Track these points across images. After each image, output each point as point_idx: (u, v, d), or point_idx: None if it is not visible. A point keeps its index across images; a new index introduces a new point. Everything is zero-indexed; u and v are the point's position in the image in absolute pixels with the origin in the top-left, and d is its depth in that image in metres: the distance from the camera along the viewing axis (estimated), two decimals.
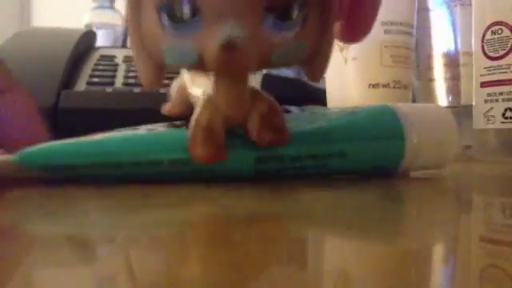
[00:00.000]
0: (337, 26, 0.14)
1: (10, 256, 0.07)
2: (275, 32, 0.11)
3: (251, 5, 0.11)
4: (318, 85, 0.31)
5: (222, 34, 0.11)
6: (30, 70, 0.35)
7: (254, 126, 0.14)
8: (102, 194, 0.13)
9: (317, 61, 0.13)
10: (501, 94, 0.25)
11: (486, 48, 0.26)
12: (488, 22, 0.26)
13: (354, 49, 0.27)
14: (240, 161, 0.14)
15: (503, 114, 0.25)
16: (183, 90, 0.17)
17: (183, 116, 0.16)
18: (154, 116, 0.36)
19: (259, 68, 0.12)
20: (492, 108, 0.25)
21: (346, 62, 0.27)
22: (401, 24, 0.27)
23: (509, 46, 0.25)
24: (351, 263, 0.07)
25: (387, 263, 0.07)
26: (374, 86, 0.27)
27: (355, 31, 0.15)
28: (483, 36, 0.26)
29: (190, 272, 0.06)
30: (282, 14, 0.11)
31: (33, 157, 0.15)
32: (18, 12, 1.20)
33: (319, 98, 0.31)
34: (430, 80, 0.32)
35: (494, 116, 0.25)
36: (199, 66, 0.12)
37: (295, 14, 0.11)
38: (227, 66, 0.11)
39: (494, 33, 0.25)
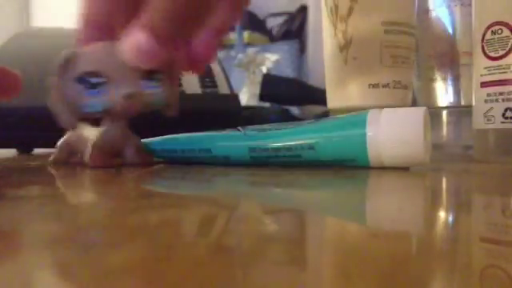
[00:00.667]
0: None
1: (10, 256, 0.07)
2: (147, 89, 0.20)
3: (133, 76, 0.19)
4: (318, 85, 0.31)
5: (122, 90, 0.19)
6: (29, 70, 0.35)
7: (131, 154, 0.22)
8: (102, 195, 0.13)
9: (172, 104, 0.22)
10: (501, 94, 0.25)
11: (486, 48, 0.26)
12: (488, 22, 0.26)
13: (354, 49, 0.27)
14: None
15: (503, 114, 0.25)
16: (71, 142, 0.24)
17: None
18: (154, 116, 0.36)
19: (144, 110, 0.21)
20: (492, 108, 0.25)
21: (346, 62, 0.27)
22: (401, 24, 0.27)
23: (509, 45, 0.25)
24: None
25: (383, 262, 0.07)
26: (374, 85, 0.27)
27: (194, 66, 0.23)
28: (483, 36, 0.26)
29: (190, 272, 0.06)
30: (151, 79, 0.20)
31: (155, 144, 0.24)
32: (18, 12, 1.20)
33: (319, 97, 0.31)
34: (431, 80, 0.32)
35: (493, 116, 0.25)
36: (109, 112, 0.20)
37: (156, 78, 0.20)
38: (126, 108, 0.19)
39: (494, 33, 0.25)
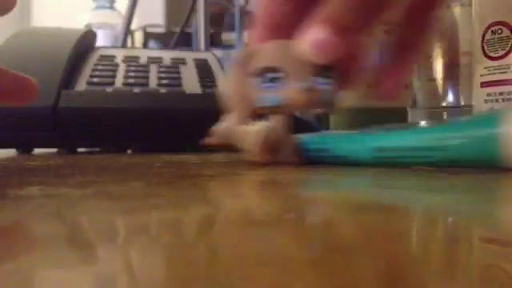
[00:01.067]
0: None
1: (10, 256, 0.07)
2: (319, 84, 0.19)
3: (308, 72, 0.19)
4: None
5: (298, 84, 0.19)
6: (29, 69, 0.35)
7: (287, 151, 0.22)
8: (102, 195, 0.13)
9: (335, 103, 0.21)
10: (501, 94, 0.25)
11: (486, 48, 0.26)
12: (488, 22, 0.26)
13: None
14: (363, 150, 0.20)
15: None
16: (228, 131, 0.23)
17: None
18: (154, 116, 0.36)
19: (315, 108, 0.21)
20: (492, 108, 0.25)
21: None
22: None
23: (509, 45, 0.25)
24: None
25: (383, 262, 0.07)
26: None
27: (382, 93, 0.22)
28: (483, 36, 0.26)
29: (190, 272, 0.06)
30: (325, 76, 0.20)
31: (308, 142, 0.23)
32: (18, 12, 1.20)
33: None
34: (430, 80, 0.32)
35: None
36: (283, 107, 0.19)
37: (329, 75, 0.20)
38: (303, 102, 0.19)
39: (494, 33, 0.25)
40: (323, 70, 0.20)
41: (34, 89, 0.22)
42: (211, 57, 0.44)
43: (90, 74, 0.37)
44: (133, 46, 0.75)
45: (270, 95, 0.20)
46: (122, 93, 0.36)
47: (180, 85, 0.37)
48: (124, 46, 0.61)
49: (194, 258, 0.07)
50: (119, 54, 0.42)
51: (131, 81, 0.37)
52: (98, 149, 0.41)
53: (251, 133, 0.21)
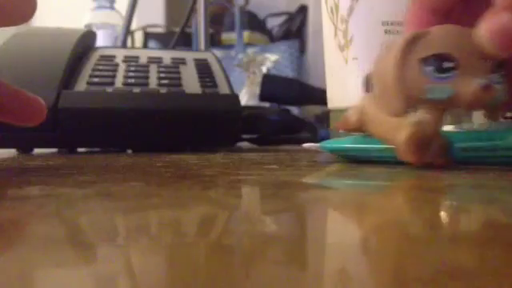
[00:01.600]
0: None
1: (10, 256, 0.07)
2: (496, 83, 0.18)
3: (485, 66, 0.17)
4: (318, 85, 0.31)
5: (479, 81, 0.17)
6: (29, 70, 0.35)
7: (435, 151, 0.19)
8: (102, 194, 0.13)
9: (501, 106, 0.19)
10: None
11: None
12: None
13: (354, 49, 0.27)
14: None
15: (503, 114, 0.25)
16: (361, 117, 0.21)
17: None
18: (154, 116, 0.36)
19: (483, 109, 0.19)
20: None
21: (346, 62, 0.27)
22: (401, 24, 0.27)
23: None
24: None
25: (383, 262, 0.07)
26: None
27: None
28: None
29: (190, 272, 0.06)
30: (496, 73, 0.18)
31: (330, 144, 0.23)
32: None
33: (319, 98, 0.31)
34: None
35: None
36: (451, 101, 0.17)
37: (500, 73, 0.18)
38: (480, 100, 0.17)
39: None
40: (497, 65, 0.18)
41: (41, 110, 0.21)
42: (211, 57, 0.44)
43: (90, 74, 0.37)
44: (133, 46, 0.75)
45: (441, 86, 0.17)
46: (122, 93, 0.36)
47: (180, 85, 0.37)
48: (124, 46, 0.61)
49: (194, 258, 0.07)
50: (119, 54, 0.42)
51: (131, 81, 0.37)
52: (98, 149, 0.41)
53: (404, 127, 0.18)
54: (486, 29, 0.16)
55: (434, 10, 0.19)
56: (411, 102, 0.18)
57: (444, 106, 0.18)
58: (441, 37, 0.18)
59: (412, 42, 0.18)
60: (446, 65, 0.17)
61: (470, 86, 0.17)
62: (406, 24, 0.19)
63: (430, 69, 0.17)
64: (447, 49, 0.17)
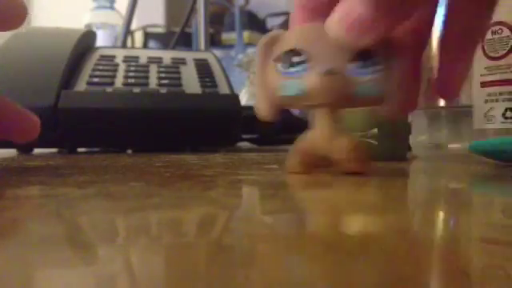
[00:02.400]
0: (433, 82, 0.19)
1: (10, 256, 0.07)
2: (356, 74, 0.16)
3: (339, 56, 0.16)
4: None
5: (322, 68, 0.16)
6: (29, 70, 0.35)
7: (339, 157, 0.17)
8: (102, 194, 0.13)
9: (390, 102, 0.17)
10: (501, 94, 0.25)
11: (486, 48, 0.26)
12: None
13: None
14: None
15: (503, 114, 0.25)
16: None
17: None
18: (154, 116, 0.36)
19: (345, 100, 0.17)
20: (492, 108, 0.25)
21: None
22: None
23: (509, 46, 0.25)
24: None
25: (383, 261, 0.07)
26: None
27: (444, 91, 0.19)
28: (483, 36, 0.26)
29: (190, 272, 0.06)
30: (361, 63, 0.16)
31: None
32: None
33: None
34: (430, 80, 0.32)
35: (494, 116, 0.25)
36: (303, 97, 0.17)
37: (374, 62, 0.16)
38: (322, 88, 0.16)
39: (494, 33, 0.25)
40: (362, 55, 0.16)
41: (35, 128, 0.20)
42: (211, 57, 0.44)
43: (90, 74, 0.37)
44: (133, 46, 0.75)
45: (292, 82, 0.16)
46: (122, 93, 0.36)
47: (180, 85, 0.37)
48: (124, 46, 0.61)
49: (194, 258, 0.07)
50: (119, 54, 0.42)
51: (131, 81, 0.37)
52: (97, 149, 0.41)
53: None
54: (334, 16, 0.16)
55: (312, 9, 0.18)
56: (274, 104, 0.18)
57: (301, 104, 0.17)
58: (293, 35, 0.17)
59: (270, 45, 0.18)
60: (295, 59, 0.16)
61: (314, 75, 0.16)
62: (289, 24, 0.19)
63: (280, 66, 0.17)
64: (297, 44, 0.17)
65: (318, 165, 0.18)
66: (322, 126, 0.17)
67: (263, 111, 0.18)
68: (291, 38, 0.17)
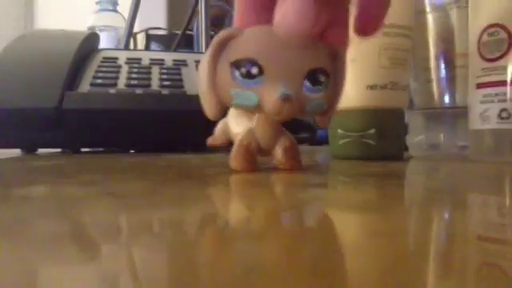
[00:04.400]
0: (352, 21, 0.19)
1: (13, 255, 0.07)
2: (309, 93, 0.17)
3: (295, 74, 0.17)
4: None
5: (279, 90, 0.16)
6: (34, 71, 0.35)
7: (278, 155, 0.19)
8: (102, 194, 0.13)
9: (327, 113, 0.18)
10: (496, 95, 0.25)
11: (482, 50, 0.26)
12: (484, 24, 0.26)
13: (352, 51, 0.27)
14: None
15: (499, 115, 0.25)
16: (226, 129, 0.22)
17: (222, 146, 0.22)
18: (156, 116, 0.36)
19: (298, 116, 0.18)
20: (488, 109, 0.26)
21: None
22: (399, 26, 0.28)
23: (505, 47, 0.25)
24: None
25: (381, 261, 0.07)
26: (372, 87, 0.27)
27: (366, 27, 0.19)
28: (480, 38, 0.26)
29: (192, 271, 0.06)
30: (313, 82, 0.17)
31: None
32: (23, 14, 1.20)
33: None
34: (427, 81, 0.32)
35: (489, 116, 0.25)
36: (256, 108, 0.17)
37: (321, 80, 0.17)
38: (281, 112, 0.16)
39: (490, 35, 0.26)
40: (315, 72, 0.17)
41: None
42: None
43: (94, 75, 0.38)
44: (135, 48, 0.75)
45: (247, 93, 0.16)
46: (125, 94, 0.36)
47: (181, 86, 0.38)
48: (127, 47, 0.61)
49: (195, 256, 0.07)
50: (122, 56, 0.42)
51: (134, 82, 0.38)
52: (101, 149, 0.41)
53: (233, 135, 0.19)
54: (279, 11, 0.16)
55: (255, 5, 0.18)
56: (223, 107, 0.18)
57: (252, 112, 0.18)
58: (249, 40, 0.17)
59: (223, 43, 0.17)
60: (254, 70, 0.16)
61: (271, 95, 0.16)
62: (234, 22, 0.18)
63: (237, 73, 0.16)
64: (254, 53, 0.16)
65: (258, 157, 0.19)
66: (264, 127, 0.19)
67: (210, 111, 0.18)
68: (249, 45, 0.17)
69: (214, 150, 0.25)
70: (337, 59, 0.18)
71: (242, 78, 0.16)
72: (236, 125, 0.21)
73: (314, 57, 0.17)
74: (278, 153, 0.19)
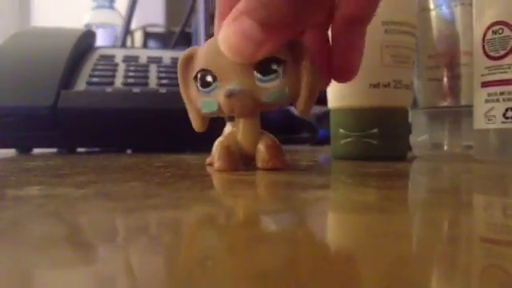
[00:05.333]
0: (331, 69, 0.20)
1: (9, 256, 0.07)
2: (262, 83, 0.18)
3: (244, 71, 0.18)
4: None
5: (226, 89, 0.18)
6: (29, 69, 0.35)
7: (260, 154, 0.19)
8: (102, 194, 0.13)
9: (300, 100, 0.19)
10: (501, 93, 0.25)
11: (486, 48, 0.26)
12: (489, 22, 0.25)
13: None
14: None
15: (504, 114, 0.25)
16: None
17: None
18: (154, 116, 0.36)
19: (257, 108, 0.19)
20: (493, 108, 0.25)
21: None
22: (402, 24, 0.27)
23: (509, 45, 0.25)
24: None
25: (382, 262, 0.07)
26: (375, 85, 0.27)
27: (341, 76, 0.21)
28: (484, 36, 0.26)
29: (189, 272, 0.06)
30: (266, 72, 0.18)
31: None
32: (18, 12, 1.20)
33: (319, 97, 0.31)
34: (431, 80, 0.31)
35: (494, 116, 0.25)
36: (219, 112, 0.18)
37: (273, 70, 0.18)
38: (231, 108, 0.18)
39: (494, 32, 0.25)
40: (267, 62, 0.17)
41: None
42: None
43: (90, 73, 0.37)
44: (132, 46, 0.75)
45: (208, 100, 0.18)
46: (122, 93, 0.36)
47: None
48: (124, 45, 0.60)
49: (193, 258, 0.07)
50: (119, 54, 0.42)
51: (131, 81, 0.37)
52: (97, 149, 0.41)
53: (262, 141, 0.20)
54: (222, 35, 0.17)
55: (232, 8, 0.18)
56: (202, 117, 0.19)
57: (221, 115, 0.19)
58: (202, 53, 0.18)
59: (186, 63, 0.19)
60: (208, 78, 0.18)
61: (220, 97, 0.18)
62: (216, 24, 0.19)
63: (199, 84, 0.18)
64: (205, 64, 0.18)
65: (242, 162, 0.20)
66: (244, 129, 0.19)
67: (194, 123, 0.20)
68: (202, 57, 0.18)
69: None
70: (294, 46, 0.18)
71: (202, 88, 0.18)
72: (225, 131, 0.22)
73: None
74: (261, 152, 0.19)
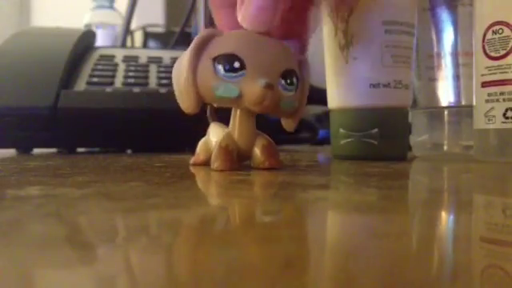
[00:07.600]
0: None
1: (9, 256, 0.07)
2: (284, 90, 0.19)
3: (273, 71, 0.18)
4: (318, 85, 0.31)
5: (261, 81, 0.18)
6: (29, 69, 0.35)
7: (257, 155, 0.20)
8: (102, 194, 0.13)
9: (294, 116, 0.21)
10: (502, 93, 0.25)
11: (486, 48, 0.26)
12: (489, 22, 0.25)
13: (354, 49, 0.27)
14: None
15: (504, 114, 0.25)
16: (208, 146, 0.22)
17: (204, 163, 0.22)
18: (154, 116, 0.36)
19: (274, 109, 0.19)
20: (493, 108, 0.25)
21: (346, 61, 0.27)
22: (402, 24, 0.27)
23: (510, 45, 0.25)
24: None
25: (383, 262, 0.07)
26: (375, 85, 0.27)
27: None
28: (484, 36, 0.26)
29: (189, 272, 0.06)
30: (287, 81, 0.19)
31: None
32: (18, 12, 1.20)
33: (319, 97, 0.31)
34: (431, 80, 0.31)
35: (494, 116, 0.25)
36: (236, 100, 0.18)
37: (294, 81, 0.19)
38: (263, 100, 0.18)
39: (494, 32, 0.25)
40: (288, 72, 0.19)
41: None
42: None
43: (90, 73, 0.37)
44: (132, 46, 0.75)
45: (229, 85, 0.18)
46: (122, 93, 0.36)
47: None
48: (124, 45, 0.60)
49: (193, 258, 0.07)
50: (119, 54, 0.42)
51: (131, 81, 0.37)
52: (97, 149, 0.41)
53: (258, 141, 0.20)
54: (239, 13, 0.19)
55: (231, 5, 0.20)
56: (202, 100, 0.19)
57: (232, 105, 0.19)
58: (230, 38, 0.19)
59: (205, 42, 0.19)
60: (236, 64, 0.18)
61: (253, 86, 0.18)
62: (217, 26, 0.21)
63: (220, 67, 0.18)
64: (235, 50, 0.18)
65: (239, 161, 0.20)
66: (243, 126, 0.20)
67: (189, 105, 0.19)
68: (231, 42, 0.18)
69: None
70: (302, 67, 0.20)
71: (224, 72, 0.18)
72: (214, 137, 0.22)
73: (287, 59, 0.19)
74: (257, 152, 0.20)
